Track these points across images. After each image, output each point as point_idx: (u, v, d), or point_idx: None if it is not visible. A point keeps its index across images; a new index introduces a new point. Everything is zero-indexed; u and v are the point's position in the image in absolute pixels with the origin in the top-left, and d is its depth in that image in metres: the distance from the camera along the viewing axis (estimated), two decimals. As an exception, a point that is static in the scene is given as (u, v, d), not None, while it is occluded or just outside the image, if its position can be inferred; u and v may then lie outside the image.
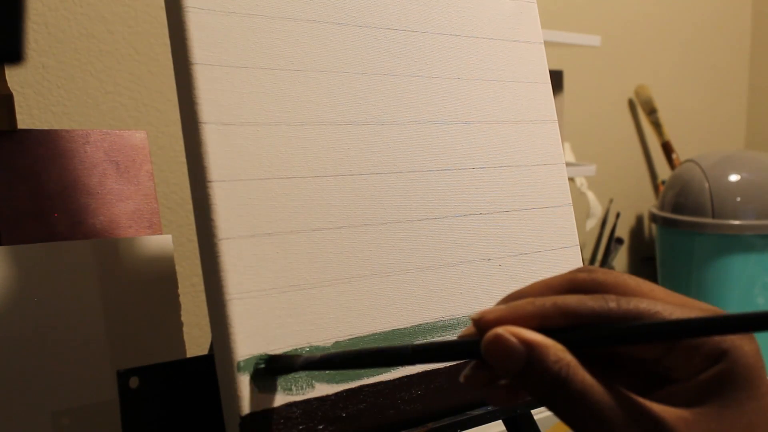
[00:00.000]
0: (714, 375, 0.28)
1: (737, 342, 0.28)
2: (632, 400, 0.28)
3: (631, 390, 0.29)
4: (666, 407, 0.28)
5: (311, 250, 0.41)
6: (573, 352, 0.28)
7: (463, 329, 0.31)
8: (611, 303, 0.28)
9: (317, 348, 0.40)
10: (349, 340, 0.41)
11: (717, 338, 0.28)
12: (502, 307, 0.29)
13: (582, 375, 0.27)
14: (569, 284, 0.30)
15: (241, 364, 0.37)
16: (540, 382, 0.27)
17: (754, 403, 0.28)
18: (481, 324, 0.29)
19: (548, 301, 0.29)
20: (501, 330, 0.28)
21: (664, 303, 0.28)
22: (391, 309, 0.43)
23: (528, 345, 0.28)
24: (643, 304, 0.28)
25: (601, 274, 0.30)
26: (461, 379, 0.31)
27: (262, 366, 0.37)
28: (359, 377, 0.41)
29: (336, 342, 0.40)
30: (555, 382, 0.27)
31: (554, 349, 0.28)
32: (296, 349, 0.39)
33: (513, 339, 0.28)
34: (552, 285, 0.31)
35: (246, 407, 0.36)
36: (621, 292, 0.29)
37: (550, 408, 0.28)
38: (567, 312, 0.28)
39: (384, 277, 0.43)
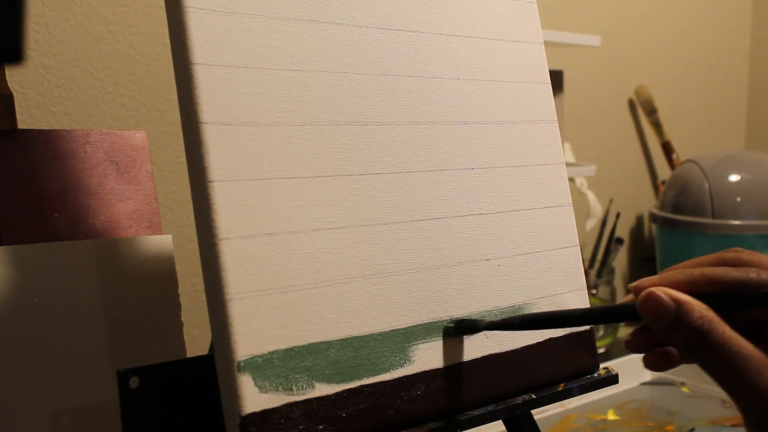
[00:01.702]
0: None
1: None
2: (766, 353, 0.32)
3: None
4: None
5: (311, 250, 0.41)
6: (717, 314, 0.32)
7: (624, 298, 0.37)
8: (752, 273, 0.33)
9: (315, 345, 0.40)
10: (348, 339, 0.41)
11: None
12: (656, 276, 0.35)
13: (722, 329, 0.32)
14: (717, 261, 0.36)
15: (241, 364, 0.37)
16: (686, 334, 0.32)
17: None
18: (638, 289, 0.35)
19: (696, 271, 0.34)
20: (654, 289, 0.33)
21: None
22: (391, 309, 0.43)
23: (676, 301, 0.32)
24: None
25: (746, 254, 0.35)
26: (624, 345, 0.37)
27: (452, 326, 0.45)
28: (359, 377, 0.41)
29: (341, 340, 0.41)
30: (699, 333, 0.32)
31: (699, 306, 0.32)
32: (293, 348, 0.39)
33: (664, 296, 0.33)
34: (702, 261, 0.36)
35: (246, 407, 0.36)
36: (764, 269, 0.34)
37: (696, 358, 0.33)
38: (712, 279, 0.33)
39: (383, 277, 0.43)
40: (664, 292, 0.33)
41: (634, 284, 0.35)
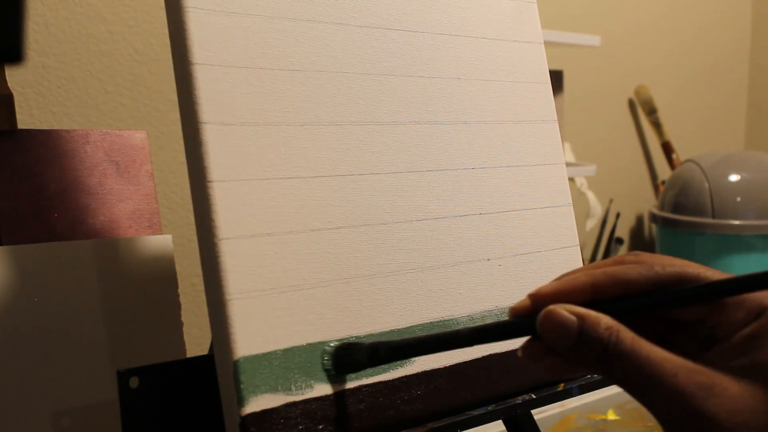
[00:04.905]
0: (757, 329, 0.30)
1: None
2: (679, 358, 0.29)
3: (682, 354, 0.30)
4: (712, 367, 0.29)
5: (311, 250, 0.41)
6: (624, 322, 0.30)
7: (516, 302, 0.33)
8: (657, 267, 0.31)
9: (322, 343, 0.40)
10: (348, 339, 0.41)
11: (759, 294, 0.30)
12: (556, 281, 0.32)
13: (631, 337, 0.29)
14: (618, 263, 0.33)
15: (241, 363, 0.37)
16: (593, 349, 0.30)
17: None
18: (537, 298, 0.32)
19: (599, 271, 0.31)
20: (553, 307, 0.30)
21: (707, 269, 0.31)
22: (391, 309, 0.43)
23: (579, 316, 0.30)
24: (688, 269, 0.31)
25: (646, 256, 0.33)
26: (519, 353, 0.32)
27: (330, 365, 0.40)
28: (358, 377, 0.41)
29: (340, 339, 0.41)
30: (606, 346, 0.29)
31: (604, 318, 0.30)
32: (293, 348, 0.39)
33: (564, 312, 0.30)
34: (600, 264, 0.33)
35: (246, 407, 0.36)
36: (668, 265, 0.32)
37: (605, 373, 0.30)
38: (618, 278, 0.31)
39: (383, 277, 0.43)
40: (564, 308, 0.30)
41: (533, 291, 0.32)
